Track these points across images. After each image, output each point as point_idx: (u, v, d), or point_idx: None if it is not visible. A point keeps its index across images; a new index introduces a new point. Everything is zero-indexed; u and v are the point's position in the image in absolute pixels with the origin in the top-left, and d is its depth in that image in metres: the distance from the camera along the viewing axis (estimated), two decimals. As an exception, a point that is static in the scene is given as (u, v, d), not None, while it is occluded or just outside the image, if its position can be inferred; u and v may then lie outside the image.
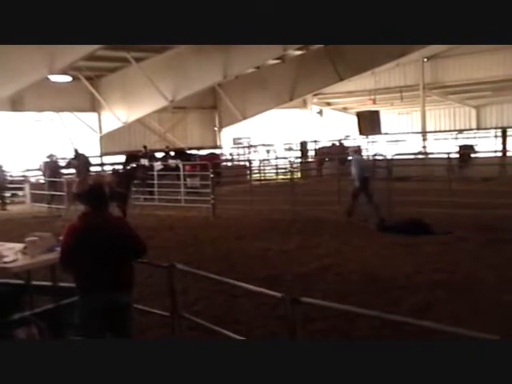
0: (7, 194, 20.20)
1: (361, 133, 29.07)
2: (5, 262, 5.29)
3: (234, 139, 31.72)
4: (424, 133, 29.27)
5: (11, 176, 21.09)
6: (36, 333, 4.68)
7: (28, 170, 22.15)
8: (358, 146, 19.86)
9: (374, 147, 29.10)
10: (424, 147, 27.52)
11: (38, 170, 21.07)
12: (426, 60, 29.40)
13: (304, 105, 34.60)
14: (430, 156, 24.24)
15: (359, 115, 29.82)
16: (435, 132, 31.64)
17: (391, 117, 34.82)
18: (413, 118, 34.23)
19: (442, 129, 33.14)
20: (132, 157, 22.41)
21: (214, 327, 5.13)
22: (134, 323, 4.70)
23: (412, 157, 23.37)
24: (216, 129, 31.15)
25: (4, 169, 19.80)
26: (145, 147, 22.58)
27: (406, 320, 3.49)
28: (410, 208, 12.63)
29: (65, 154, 21.81)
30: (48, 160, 19.72)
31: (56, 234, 6.04)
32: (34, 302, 5.33)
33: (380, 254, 9.58)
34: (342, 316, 5.83)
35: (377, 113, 29.89)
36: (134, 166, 15.07)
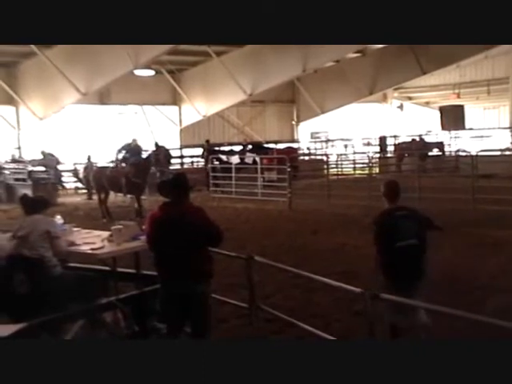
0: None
1: (443, 128, 28.11)
2: (92, 249, 5.55)
3: (312, 133, 31.56)
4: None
5: (97, 167, 22.01)
6: (121, 317, 4.87)
7: (112, 162, 23.01)
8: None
9: (458, 143, 28.09)
10: (512, 143, 26.26)
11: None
12: (517, 51, 27.93)
13: (384, 99, 33.88)
14: (519, 153, 23.12)
15: (442, 110, 28.82)
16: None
17: (476, 111, 33.40)
18: (500, 113, 32.66)
19: (533, 124, 31.40)
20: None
21: (292, 320, 5.15)
22: (211, 313, 4.80)
23: (498, 153, 22.34)
24: (294, 123, 31.12)
25: (92, 160, 20.69)
26: (207, 141, 22.79)
27: (493, 321, 3.37)
28: (494, 206, 12.11)
29: (146, 147, 22.48)
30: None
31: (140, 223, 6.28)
32: (118, 288, 5.55)
33: (461, 252, 9.24)
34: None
35: (461, 107, 28.78)
36: (146, 156, 15.28)
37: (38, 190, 15.83)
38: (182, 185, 4.66)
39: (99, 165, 18.24)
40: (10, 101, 21.88)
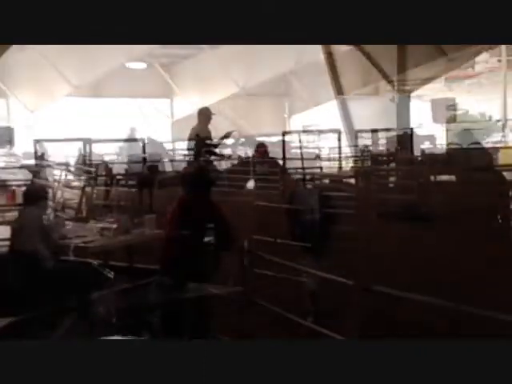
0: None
1: (435, 121, 28.17)
2: (84, 242, 5.50)
3: (304, 126, 31.49)
4: (505, 121, 27.92)
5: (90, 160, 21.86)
6: (114, 311, 4.82)
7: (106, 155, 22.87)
8: None
9: (449, 136, 28.12)
10: (503, 136, 26.29)
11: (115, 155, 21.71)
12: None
13: (376, 92, 33.82)
14: (512, 144, 23.15)
15: (434, 103, 28.88)
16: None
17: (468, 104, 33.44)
18: (492, 106, 32.71)
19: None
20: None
21: (288, 315, 5.12)
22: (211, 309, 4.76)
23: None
24: (286, 116, 31.04)
25: (83, 153, 20.52)
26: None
27: (492, 315, 3.35)
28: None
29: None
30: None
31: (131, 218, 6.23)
32: (111, 282, 5.50)
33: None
34: (419, 309, 5.64)
35: (453, 100, 28.84)
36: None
37: (32, 183, 15.69)
38: (200, 179, 4.65)
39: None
40: (-1, 93, 21.71)
